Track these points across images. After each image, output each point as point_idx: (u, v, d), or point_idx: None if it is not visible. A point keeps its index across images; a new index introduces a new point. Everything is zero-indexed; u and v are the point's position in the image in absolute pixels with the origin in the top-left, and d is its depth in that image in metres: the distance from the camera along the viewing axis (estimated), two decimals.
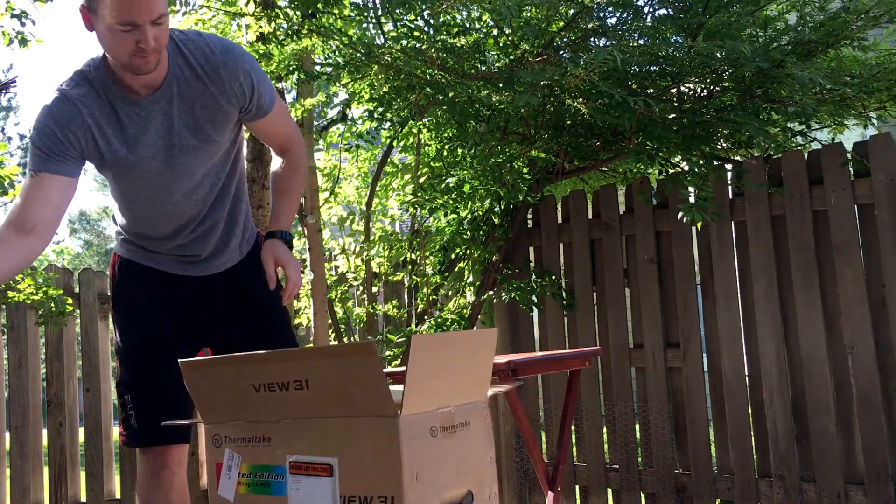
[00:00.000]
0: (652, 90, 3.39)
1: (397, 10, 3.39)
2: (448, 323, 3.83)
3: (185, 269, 2.07)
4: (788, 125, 3.53)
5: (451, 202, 3.80)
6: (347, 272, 4.28)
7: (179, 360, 1.62)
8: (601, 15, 3.34)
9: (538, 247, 4.04)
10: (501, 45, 3.51)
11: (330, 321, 3.99)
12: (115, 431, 4.12)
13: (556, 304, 3.88)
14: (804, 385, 3.24)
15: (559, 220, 3.99)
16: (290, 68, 3.49)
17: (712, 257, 3.50)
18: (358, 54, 3.32)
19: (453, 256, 4.08)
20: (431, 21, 3.41)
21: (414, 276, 4.08)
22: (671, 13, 3.28)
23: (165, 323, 2.04)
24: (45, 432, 3.87)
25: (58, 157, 1.81)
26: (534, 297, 3.88)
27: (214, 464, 1.59)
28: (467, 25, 3.51)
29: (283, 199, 2.08)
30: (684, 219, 3.10)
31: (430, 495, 1.43)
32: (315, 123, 4.07)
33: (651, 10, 3.45)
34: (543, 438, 4.01)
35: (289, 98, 4.13)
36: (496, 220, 3.95)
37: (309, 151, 3.62)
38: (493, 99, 3.17)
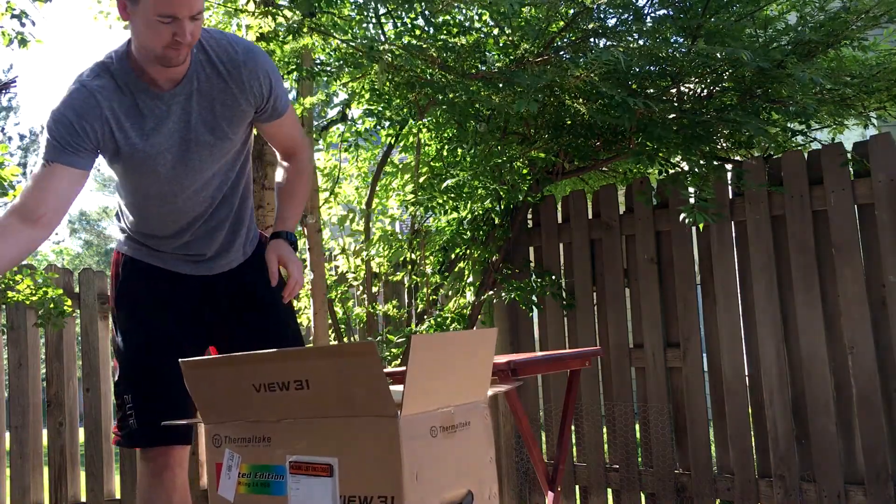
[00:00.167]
0: (652, 90, 3.39)
1: (398, 11, 3.39)
2: (448, 323, 3.82)
3: (190, 268, 2.07)
4: (788, 125, 3.53)
5: (450, 202, 3.80)
6: (347, 272, 4.28)
7: (180, 360, 1.62)
8: (601, 16, 3.34)
9: (538, 247, 4.04)
10: (501, 45, 3.51)
11: (330, 321, 3.99)
12: None
13: (556, 304, 3.88)
14: (804, 385, 3.24)
15: (559, 220, 3.99)
16: (290, 67, 3.49)
17: (712, 257, 3.50)
18: (358, 53, 3.33)
19: (453, 256, 4.08)
20: (431, 20, 3.40)
21: (414, 276, 4.08)
22: (671, 13, 3.28)
23: (169, 322, 2.03)
24: (45, 432, 3.87)
25: (72, 148, 1.81)
26: (534, 297, 3.88)
27: (214, 464, 1.59)
28: (467, 25, 3.51)
29: (289, 202, 2.09)
30: (686, 220, 3.10)
31: (430, 495, 1.43)
32: (315, 123, 4.07)
33: (651, 10, 3.45)
34: (543, 438, 4.01)
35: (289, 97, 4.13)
36: (496, 220, 3.95)
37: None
38: (494, 100, 3.17)
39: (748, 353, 3.40)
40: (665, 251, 3.64)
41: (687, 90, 3.52)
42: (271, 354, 1.55)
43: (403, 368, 1.46)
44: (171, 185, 1.95)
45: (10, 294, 3.18)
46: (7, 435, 3.79)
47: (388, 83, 3.42)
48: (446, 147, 3.87)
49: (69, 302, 3.39)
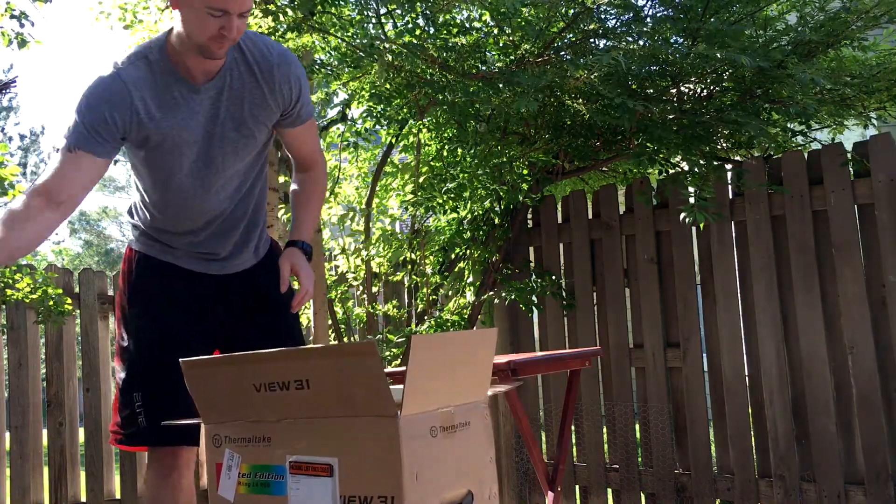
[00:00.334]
0: (652, 90, 3.39)
1: (397, 11, 3.39)
2: (448, 323, 3.83)
3: (203, 266, 2.07)
4: (788, 125, 3.53)
5: (450, 202, 3.80)
6: (347, 272, 4.28)
7: (180, 360, 1.62)
8: (602, 16, 3.34)
9: (538, 247, 4.04)
10: (502, 45, 3.51)
11: (330, 321, 3.99)
12: None
13: (556, 304, 3.88)
14: (804, 385, 3.24)
15: (559, 220, 3.99)
16: None
17: (712, 257, 3.50)
18: (358, 52, 3.33)
19: (453, 256, 4.08)
20: (431, 20, 3.41)
21: (414, 276, 4.08)
22: (671, 14, 3.28)
23: (181, 320, 2.03)
24: (45, 432, 3.87)
25: (100, 137, 1.83)
26: (534, 298, 3.88)
27: (214, 464, 1.59)
28: (467, 26, 3.51)
29: (305, 212, 2.12)
30: (686, 219, 3.10)
31: (430, 495, 1.43)
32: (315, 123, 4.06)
33: (651, 10, 3.46)
34: (543, 438, 4.02)
35: None
36: (496, 220, 3.95)
37: None
38: (494, 100, 3.17)
39: (748, 353, 3.40)
40: (665, 251, 3.64)
41: (687, 90, 3.52)
42: (271, 354, 1.55)
43: (403, 368, 1.46)
44: (192, 179, 1.96)
45: (9, 292, 3.18)
46: (7, 435, 3.79)
47: (388, 83, 3.42)
48: (446, 147, 3.87)
49: (69, 300, 3.39)
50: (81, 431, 4.11)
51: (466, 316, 3.88)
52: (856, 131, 4.02)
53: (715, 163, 3.44)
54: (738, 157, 3.72)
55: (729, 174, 3.53)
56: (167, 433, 1.91)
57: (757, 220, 3.38)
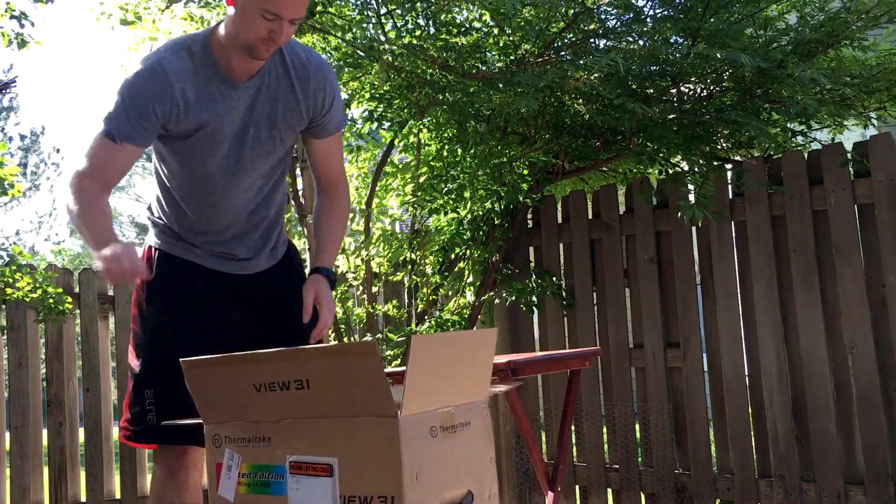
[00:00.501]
0: (652, 90, 3.39)
1: (398, 11, 3.39)
2: (448, 323, 3.82)
3: (222, 265, 2.08)
4: (788, 125, 3.53)
5: (451, 202, 3.80)
6: (347, 272, 4.27)
7: (181, 360, 1.62)
8: (602, 16, 3.34)
9: (538, 247, 4.04)
10: (502, 45, 3.51)
11: None
12: (116, 431, 4.12)
13: (556, 304, 3.88)
14: (804, 385, 3.24)
15: (559, 220, 3.99)
16: None
17: (712, 257, 3.50)
18: (358, 52, 3.32)
19: (453, 256, 4.08)
20: (432, 19, 3.41)
21: (414, 276, 4.08)
22: (671, 14, 3.28)
23: (200, 319, 2.03)
24: (45, 432, 3.87)
25: (143, 129, 1.87)
26: (533, 298, 3.88)
27: (214, 464, 1.59)
28: (468, 26, 3.51)
29: (329, 238, 2.11)
30: (684, 216, 3.10)
31: (430, 495, 1.43)
32: None
33: (651, 10, 3.46)
34: (543, 438, 4.02)
35: None
36: (496, 220, 3.95)
37: None
38: (494, 100, 3.17)
39: (748, 353, 3.40)
40: (665, 251, 3.64)
41: (687, 90, 3.52)
42: (271, 354, 1.55)
43: (403, 368, 1.46)
44: (221, 174, 1.98)
45: (9, 291, 3.18)
46: (7, 435, 3.79)
47: (388, 83, 3.42)
48: (446, 147, 3.87)
49: (69, 299, 3.38)
50: (81, 431, 4.11)
51: (466, 316, 3.88)
52: (856, 131, 4.02)
53: (715, 163, 3.44)
54: (738, 157, 3.72)
55: (729, 174, 3.53)
56: (176, 432, 1.92)
57: (757, 220, 3.38)
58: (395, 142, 3.91)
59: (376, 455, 1.40)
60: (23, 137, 23.59)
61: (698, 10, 3.10)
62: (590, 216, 3.89)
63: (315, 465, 1.46)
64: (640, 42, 3.23)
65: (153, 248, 2.11)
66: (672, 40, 3.33)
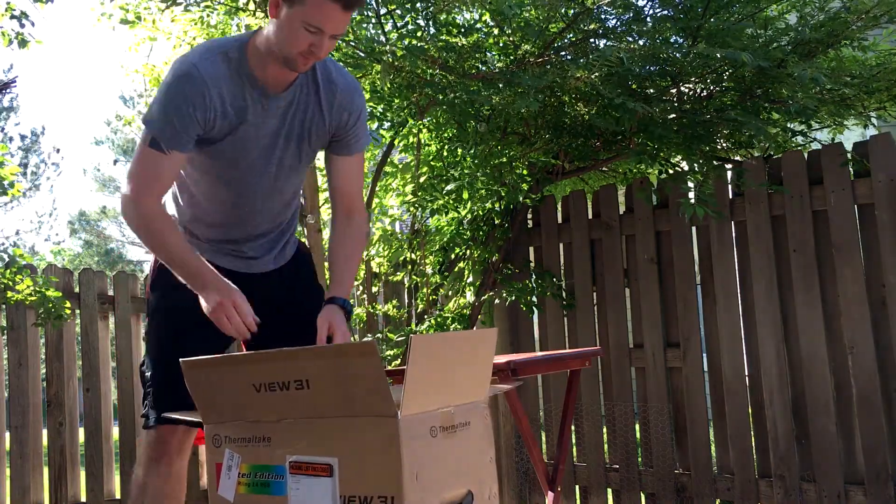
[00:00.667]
0: (652, 90, 3.39)
1: (398, 12, 3.39)
2: (448, 323, 3.82)
3: (231, 263, 2.09)
4: (788, 125, 3.54)
5: (451, 202, 3.80)
6: None
7: (180, 360, 1.62)
8: (602, 16, 3.34)
9: (538, 247, 4.04)
10: (502, 45, 3.51)
11: None
12: (116, 431, 4.12)
13: (556, 304, 3.88)
14: (804, 385, 3.24)
15: (559, 220, 3.99)
16: None
17: (712, 257, 3.50)
18: (359, 53, 3.32)
19: (453, 256, 4.08)
20: (432, 21, 3.41)
21: (414, 276, 4.08)
22: (671, 14, 3.28)
23: (202, 314, 2.02)
24: (45, 432, 3.87)
25: (187, 134, 1.86)
26: (533, 298, 3.88)
27: (214, 464, 1.59)
28: (468, 26, 3.51)
29: (346, 267, 2.07)
30: (685, 214, 3.10)
31: (430, 495, 1.43)
32: None
33: (652, 10, 3.45)
34: (543, 438, 4.01)
35: None
36: (496, 220, 3.95)
37: None
38: (494, 100, 3.17)
39: (748, 353, 3.40)
40: (665, 251, 3.64)
41: (687, 90, 3.52)
42: (271, 354, 1.55)
43: (403, 368, 1.46)
44: (245, 183, 1.99)
45: (9, 294, 3.18)
46: (7, 435, 3.79)
47: (388, 84, 3.42)
48: (446, 147, 3.87)
49: (68, 304, 3.38)
50: (81, 431, 4.11)
51: (466, 316, 3.88)
52: (856, 131, 4.02)
53: (715, 163, 3.44)
54: (738, 157, 3.72)
55: (729, 174, 3.53)
56: (163, 415, 1.94)
57: (757, 220, 3.38)
58: (395, 142, 3.91)
59: (376, 455, 1.40)
60: (23, 137, 23.58)
61: (698, 10, 3.10)
62: (590, 216, 3.89)
63: (315, 465, 1.46)
64: (640, 42, 3.23)
65: None
66: (672, 40, 3.33)
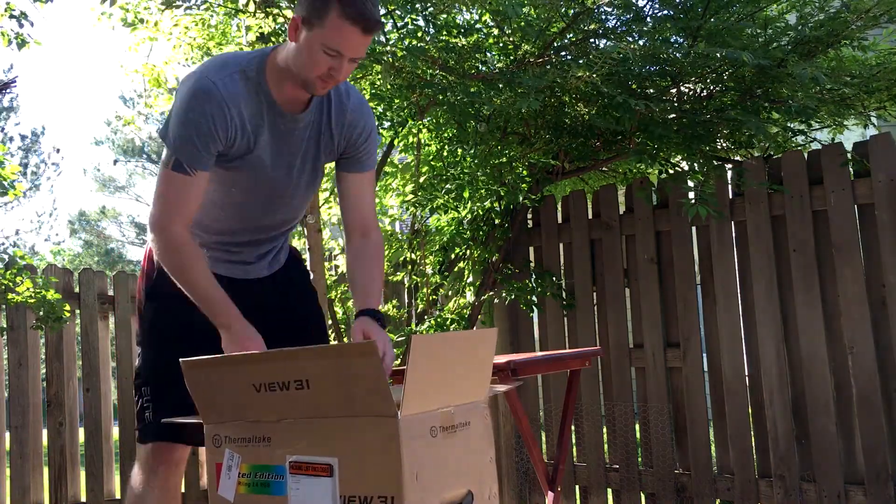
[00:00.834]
0: (652, 90, 3.39)
1: (397, 12, 3.39)
2: (448, 323, 3.82)
3: (227, 269, 2.08)
4: (788, 125, 3.54)
5: (451, 202, 3.80)
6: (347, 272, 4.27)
7: (180, 360, 1.62)
8: (602, 16, 3.34)
9: (538, 247, 4.04)
10: (502, 45, 3.51)
11: (330, 321, 3.99)
12: (116, 431, 4.12)
13: (556, 304, 3.88)
14: (804, 385, 3.24)
15: (559, 220, 3.99)
16: None
17: (712, 257, 3.50)
18: None
19: (453, 256, 4.08)
20: (431, 20, 3.41)
21: (414, 276, 4.08)
22: (671, 14, 3.29)
23: (197, 318, 1.99)
24: (45, 432, 3.87)
25: (210, 153, 1.84)
26: (533, 298, 3.88)
27: (214, 464, 1.59)
28: (468, 27, 3.51)
29: (371, 282, 2.04)
30: (688, 214, 3.10)
31: (430, 495, 1.43)
32: None
33: (652, 10, 3.46)
34: (543, 438, 4.01)
35: None
36: (496, 220, 3.95)
37: None
38: (494, 101, 3.17)
39: (748, 353, 3.40)
40: (665, 251, 3.64)
41: (687, 90, 3.52)
42: (271, 354, 1.55)
43: (403, 368, 1.46)
44: (256, 200, 1.98)
45: (9, 295, 3.18)
46: (7, 435, 3.79)
47: (388, 84, 3.42)
48: (446, 147, 3.87)
49: (67, 307, 3.38)
50: (81, 431, 4.11)
51: (466, 316, 3.88)
52: (856, 131, 4.02)
53: (715, 162, 3.44)
54: (738, 157, 3.72)
55: (729, 174, 3.53)
56: (162, 429, 1.92)
57: (757, 220, 3.38)
58: (395, 142, 3.91)
59: (376, 455, 1.40)
60: (23, 137, 23.59)
61: (698, 10, 3.10)
62: (590, 216, 3.89)
63: (315, 465, 1.46)
64: (640, 42, 3.23)
65: None
66: (672, 40, 3.33)
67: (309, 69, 1.78)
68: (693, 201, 3.12)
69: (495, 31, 3.50)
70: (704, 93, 3.48)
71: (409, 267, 4.09)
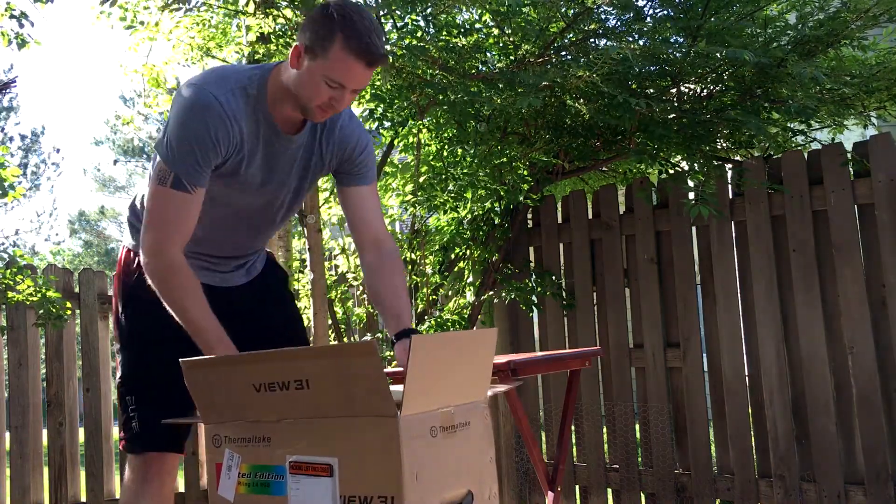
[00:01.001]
0: (652, 90, 3.39)
1: (398, 12, 3.39)
2: (448, 323, 3.82)
3: (209, 279, 2.05)
4: (788, 125, 3.54)
5: (451, 201, 3.80)
6: (347, 272, 4.27)
7: (180, 360, 1.62)
8: (602, 16, 3.34)
9: (538, 247, 4.04)
10: (502, 45, 3.51)
11: (330, 321, 3.99)
12: (116, 431, 4.12)
13: (556, 304, 3.88)
14: (804, 385, 3.24)
15: (559, 220, 3.99)
16: None
17: (712, 257, 3.50)
18: None
19: (453, 256, 4.08)
20: (431, 21, 3.41)
21: (414, 276, 4.08)
22: (671, 14, 3.29)
23: (174, 325, 1.98)
24: (45, 432, 3.87)
25: (209, 168, 1.80)
26: (533, 298, 3.88)
27: (214, 464, 1.59)
28: (468, 27, 3.51)
29: (396, 299, 2.00)
30: (689, 214, 3.10)
31: (430, 495, 1.43)
32: None
33: (652, 10, 3.46)
34: (543, 438, 4.01)
35: None
36: (496, 220, 3.95)
37: None
38: (495, 101, 3.17)
39: (748, 353, 3.40)
40: (665, 251, 3.64)
41: (687, 90, 3.52)
42: (271, 354, 1.55)
43: (403, 368, 1.46)
44: (243, 216, 1.97)
45: (10, 294, 3.18)
46: (7, 435, 3.79)
47: (388, 84, 3.42)
48: (446, 147, 3.87)
49: (68, 305, 3.38)
50: (81, 431, 4.11)
51: (466, 316, 3.88)
52: (856, 131, 4.02)
53: (715, 162, 3.44)
54: (738, 157, 3.72)
55: (729, 174, 3.53)
56: (154, 438, 1.92)
57: (757, 220, 3.38)
58: (395, 142, 3.91)
59: (376, 455, 1.40)
60: (23, 137, 23.59)
61: (698, 10, 3.10)
62: (590, 216, 3.89)
63: (315, 465, 1.46)
64: (640, 42, 3.23)
65: (131, 252, 2.06)
66: (672, 40, 3.33)
67: (310, 98, 1.75)
68: (694, 201, 3.12)
69: (495, 31, 3.50)
70: (704, 93, 3.48)
71: (409, 267, 4.09)
